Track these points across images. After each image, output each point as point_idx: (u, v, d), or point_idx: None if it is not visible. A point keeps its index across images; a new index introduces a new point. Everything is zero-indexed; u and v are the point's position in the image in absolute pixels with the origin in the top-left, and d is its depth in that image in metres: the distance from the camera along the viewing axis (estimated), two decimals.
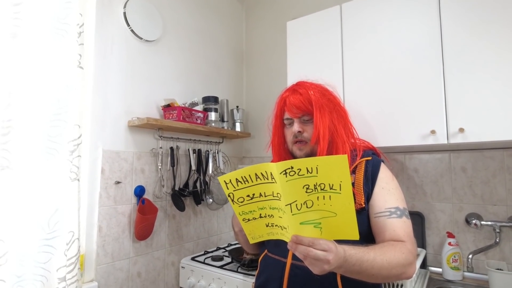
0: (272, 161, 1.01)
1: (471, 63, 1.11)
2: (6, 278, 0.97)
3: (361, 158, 0.90)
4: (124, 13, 1.45)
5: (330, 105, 0.92)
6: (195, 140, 1.74)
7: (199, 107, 1.72)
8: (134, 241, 1.44)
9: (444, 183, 1.44)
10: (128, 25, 1.46)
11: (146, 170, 1.51)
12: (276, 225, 0.70)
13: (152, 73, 1.58)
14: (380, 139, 1.26)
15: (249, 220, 0.70)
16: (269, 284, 0.87)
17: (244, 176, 0.65)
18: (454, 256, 1.32)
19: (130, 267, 1.42)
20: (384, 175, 0.87)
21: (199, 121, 1.66)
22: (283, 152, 0.97)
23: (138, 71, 1.51)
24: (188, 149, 1.71)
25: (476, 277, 1.32)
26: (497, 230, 1.27)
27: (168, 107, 1.56)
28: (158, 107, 1.59)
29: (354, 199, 0.81)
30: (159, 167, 1.54)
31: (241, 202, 0.68)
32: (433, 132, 1.15)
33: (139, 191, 1.45)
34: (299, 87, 0.93)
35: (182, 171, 1.69)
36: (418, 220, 1.47)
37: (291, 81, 1.57)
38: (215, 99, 1.80)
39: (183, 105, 1.61)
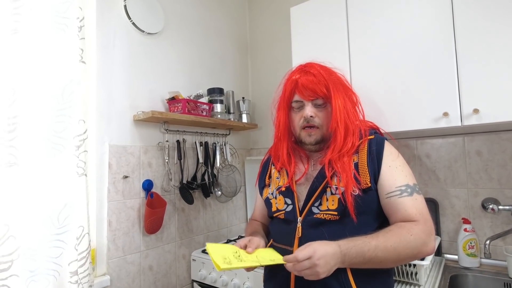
0: (272, 147, 0.99)
1: (484, 41, 1.05)
2: (19, 273, 0.99)
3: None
4: (125, 5, 1.43)
5: (343, 89, 0.88)
6: (201, 132, 1.73)
7: (204, 99, 1.70)
8: (144, 234, 1.44)
9: (459, 168, 1.39)
10: (129, 18, 1.44)
11: (153, 164, 1.51)
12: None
13: (155, 66, 1.56)
14: (390, 124, 1.22)
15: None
16: (277, 274, 0.85)
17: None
18: (471, 243, 1.28)
19: (142, 260, 1.43)
20: (390, 153, 0.83)
21: (204, 113, 1.64)
22: (287, 137, 0.93)
23: (142, 64, 1.50)
24: (195, 142, 1.70)
25: (494, 264, 1.27)
26: None
27: (172, 100, 1.54)
28: (163, 100, 1.58)
29: (358, 181, 0.79)
30: (166, 160, 1.54)
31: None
32: (445, 114, 1.10)
33: (147, 185, 1.45)
34: (310, 68, 0.88)
35: (190, 164, 1.69)
36: (432, 206, 1.42)
37: None
38: (220, 91, 1.77)
39: (188, 98, 1.59)
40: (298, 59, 1.50)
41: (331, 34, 1.41)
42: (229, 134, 1.91)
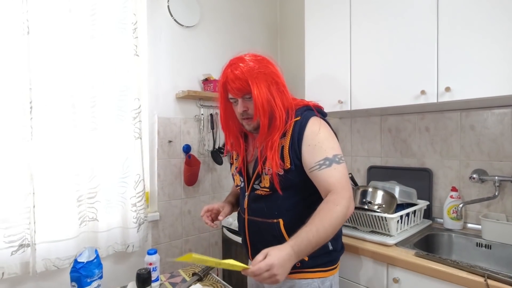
0: (225, 138, 1.12)
1: (463, 26, 1.16)
2: (101, 200, 1.49)
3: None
4: (168, 6, 1.80)
5: (268, 78, 0.94)
6: None
7: None
8: (184, 186, 1.89)
9: (453, 141, 1.50)
10: (172, 15, 1.81)
11: (191, 132, 1.92)
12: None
13: (193, 53, 1.93)
14: (380, 99, 1.41)
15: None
16: (240, 230, 1.13)
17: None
18: (455, 208, 1.43)
19: (182, 205, 1.89)
20: (310, 132, 0.93)
21: None
22: (234, 125, 1.06)
23: (182, 52, 1.88)
24: None
25: (475, 228, 1.41)
26: (497, 184, 1.33)
27: (206, 81, 1.90)
28: (199, 81, 1.95)
29: (283, 162, 0.94)
30: (201, 129, 1.94)
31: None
32: (423, 92, 1.25)
33: (186, 148, 1.87)
34: (236, 67, 0.94)
35: (221, 133, 2.05)
36: (426, 176, 1.58)
37: (308, 52, 1.76)
38: None
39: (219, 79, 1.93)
40: (309, 44, 1.72)
41: (335, 21, 1.59)
42: None
